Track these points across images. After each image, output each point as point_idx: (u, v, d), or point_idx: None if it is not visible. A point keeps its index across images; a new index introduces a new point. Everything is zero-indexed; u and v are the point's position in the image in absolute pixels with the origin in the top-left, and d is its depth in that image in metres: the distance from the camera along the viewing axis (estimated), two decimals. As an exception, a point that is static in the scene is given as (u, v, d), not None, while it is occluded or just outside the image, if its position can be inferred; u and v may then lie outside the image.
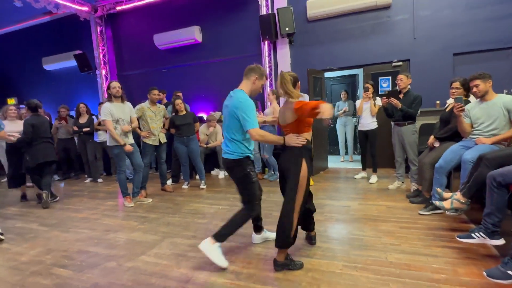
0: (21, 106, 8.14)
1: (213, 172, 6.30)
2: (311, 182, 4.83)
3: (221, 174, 5.94)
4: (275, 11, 5.90)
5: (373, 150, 4.79)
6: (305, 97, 4.82)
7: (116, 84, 4.12)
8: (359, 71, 6.49)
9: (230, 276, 2.26)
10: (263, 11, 6.15)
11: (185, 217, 3.71)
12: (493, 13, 4.89)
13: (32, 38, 9.03)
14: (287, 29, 5.76)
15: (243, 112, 2.22)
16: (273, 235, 2.47)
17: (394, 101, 3.95)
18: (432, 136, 3.65)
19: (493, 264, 2.01)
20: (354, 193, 4.29)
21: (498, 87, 3.04)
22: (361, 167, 5.21)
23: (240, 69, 7.10)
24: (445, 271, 2.13)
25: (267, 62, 6.32)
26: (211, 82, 7.09)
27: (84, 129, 6.04)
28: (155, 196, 4.75)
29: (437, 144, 3.55)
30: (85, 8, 7.43)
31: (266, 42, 6.23)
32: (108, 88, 4.12)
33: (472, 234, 2.21)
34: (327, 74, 7.28)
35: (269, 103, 5.42)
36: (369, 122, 4.74)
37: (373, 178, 4.80)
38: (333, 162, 6.63)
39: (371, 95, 4.68)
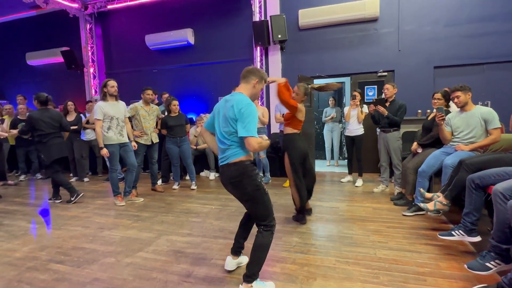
0: (1, 102, 7.89)
1: (202, 174, 6.35)
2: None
3: (212, 175, 6.01)
4: (268, 18, 6.08)
5: (359, 155, 5.02)
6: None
7: (114, 83, 4.13)
8: (347, 79, 6.76)
9: (230, 271, 2.35)
10: (257, 18, 6.32)
11: (178, 216, 3.76)
12: (471, 31, 5.28)
13: (16, 32, 8.78)
14: (279, 36, 5.95)
15: (247, 117, 1.91)
16: (246, 260, 2.34)
17: (381, 108, 4.19)
18: (415, 143, 3.90)
19: (471, 259, 2.21)
20: (341, 196, 4.49)
21: (474, 100, 3.33)
22: (347, 171, 5.44)
23: (232, 73, 7.25)
24: (429, 265, 2.32)
25: (258, 67, 6.47)
26: (202, 84, 7.17)
27: (72, 127, 5.94)
28: (146, 196, 4.75)
29: (420, 150, 3.81)
30: (75, 5, 7.33)
31: (258, 48, 6.39)
32: (105, 86, 4.11)
33: (453, 232, 2.42)
34: (315, 81, 7.54)
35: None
36: (356, 128, 4.98)
37: (359, 182, 5.03)
38: (319, 166, 6.84)
39: (358, 103, 4.92)
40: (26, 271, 2.46)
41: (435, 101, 3.69)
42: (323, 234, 3.04)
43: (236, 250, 2.35)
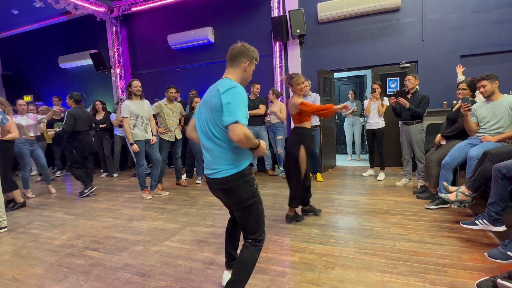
0: (38, 103, 8.43)
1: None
2: (321, 179, 5.03)
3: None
4: (287, 13, 6.08)
5: (381, 149, 4.95)
6: (316, 96, 4.99)
7: (138, 83, 4.35)
8: (368, 72, 6.65)
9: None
10: (275, 13, 6.34)
11: (201, 208, 3.92)
12: (499, 17, 5.02)
13: (49, 37, 9.32)
14: (298, 30, 5.94)
15: (232, 99, 1.56)
16: None
17: (402, 100, 4.12)
18: (439, 135, 3.81)
19: (495, 251, 2.17)
20: (362, 189, 4.46)
21: (503, 88, 3.19)
22: (368, 165, 5.38)
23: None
24: (450, 257, 2.30)
25: (278, 63, 6.51)
26: (222, 81, 7.29)
27: (101, 125, 6.28)
28: (170, 190, 4.96)
29: (443, 142, 3.72)
30: (102, 9, 7.68)
31: (277, 43, 6.42)
32: (129, 86, 4.33)
33: (476, 221, 2.38)
34: (335, 75, 7.47)
35: (269, 102, 5.60)
36: (376, 122, 4.91)
37: (381, 176, 4.96)
38: (341, 160, 6.79)
39: (378, 96, 4.85)
40: (65, 256, 2.69)
41: (460, 91, 3.58)
42: (343, 226, 3.06)
43: (230, 264, 2.05)
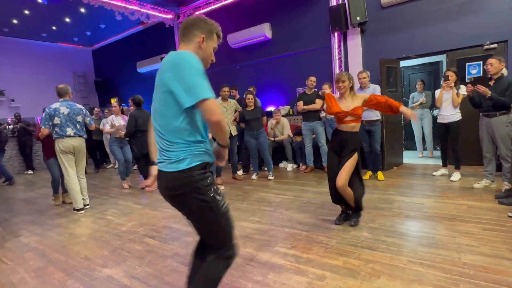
0: (122, 104, 9.62)
1: (281, 165, 6.48)
2: (382, 178, 4.64)
3: (289, 166, 6.08)
4: (346, 1, 5.72)
5: (455, 145, 4.33)
6: (377, 88, 4.59)
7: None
8: (442, 57, 5.85)
9: (290, 259, 2.40)
10: (333, 2, 6.01)
11: (252, 204, 3.98)
12: None
13: (129, 46, 10.54)
14: (358, 18, 5.54)
15: (187, 73, 1.25)
16: None
17: (481, 88, 3.51)
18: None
19: None
20: (430, 191, 3.96)
21: None
22: (441, 164, 4.75)
23: (309, 63, 7.15)
24: (532, 279, 1.89)
25: (337, 54, 6.18)
26: (280, 77, 7.26)
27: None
28: (226, 184, 5.16)
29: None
30: (170, 16, 8.35)
31: (335, 34, 6.09)
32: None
33: None
34: (404, 63, 6.76)
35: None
36: (450, 114, 4.29)
37: (455, 176, 4.34)
38: (410, 157, 6.15)
39: (452, 84, 4.21)
40: (127, 242, 3.03)
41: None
42: (398, 231, 2.77)
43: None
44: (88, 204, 4.34)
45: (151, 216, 3.79)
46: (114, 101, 10.86)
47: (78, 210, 4.14)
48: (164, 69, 1.33)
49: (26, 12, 8.06)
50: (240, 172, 5.79)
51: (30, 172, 8.25)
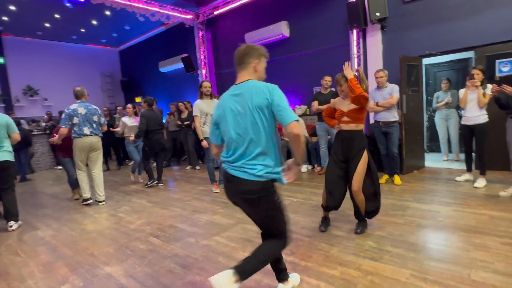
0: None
1: (296, 165, 6.37)
2: (399, 182, 4.42)
3: (304, 167, 5.96)
4: (365, -4, 5.48)
5: (481, 149, 4.02)
6: (394, 88, 4.36)
7: (207, 84, 4.64)
8: (470, 54, 5.45)
9: (287, 266, 2.33)
10: (352, -2, 5.79)
11: (260, 206, 3.93)
12: None
13: (152, 46, 10.83)
14: (377, 14, 5.29)
15: (280, 100, 1.66)
16: (297, 280, 2.09)
17: (508, 88, 3.22)
18: None
19: None
20: (450, 198, 3.71)
21: None
22: (465, 168, 4.43)
23: (326, 61, 6.94)
24: (550, 303, 1.70)
25: (355, 52, 5.95)
26: (297, 76, 7.13)
27: (185, 123, 6.97)
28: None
29: None
30: (189, 16, 8.45)
31: (354, 31, 5.86)
32: (200, 86, 4.65)
33: None
34: (430, 60, 6.39)
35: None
36: (476, 115, 3.98)
37: (480, 182, 4.03)
38: (433, 161, 5.80)
39: (478, 83, 3.90)
40: (133, 240, 3.10)
41: None
42: (406, 241, 2.61)
43: (280, 273, 2.01)
44: (103, 201, 4.52)
45: (159, 215, 3.86)
46: (138, 100, 11.28)
47: (85, 200, 4.48)
48: (259, 91, 1.71)
49: (57, 16, 8.51)
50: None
51: (59, 167, 8.73)
